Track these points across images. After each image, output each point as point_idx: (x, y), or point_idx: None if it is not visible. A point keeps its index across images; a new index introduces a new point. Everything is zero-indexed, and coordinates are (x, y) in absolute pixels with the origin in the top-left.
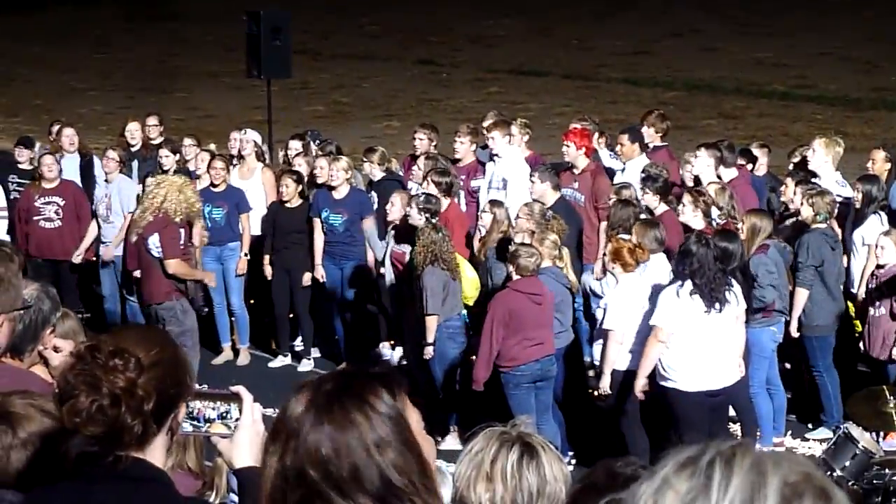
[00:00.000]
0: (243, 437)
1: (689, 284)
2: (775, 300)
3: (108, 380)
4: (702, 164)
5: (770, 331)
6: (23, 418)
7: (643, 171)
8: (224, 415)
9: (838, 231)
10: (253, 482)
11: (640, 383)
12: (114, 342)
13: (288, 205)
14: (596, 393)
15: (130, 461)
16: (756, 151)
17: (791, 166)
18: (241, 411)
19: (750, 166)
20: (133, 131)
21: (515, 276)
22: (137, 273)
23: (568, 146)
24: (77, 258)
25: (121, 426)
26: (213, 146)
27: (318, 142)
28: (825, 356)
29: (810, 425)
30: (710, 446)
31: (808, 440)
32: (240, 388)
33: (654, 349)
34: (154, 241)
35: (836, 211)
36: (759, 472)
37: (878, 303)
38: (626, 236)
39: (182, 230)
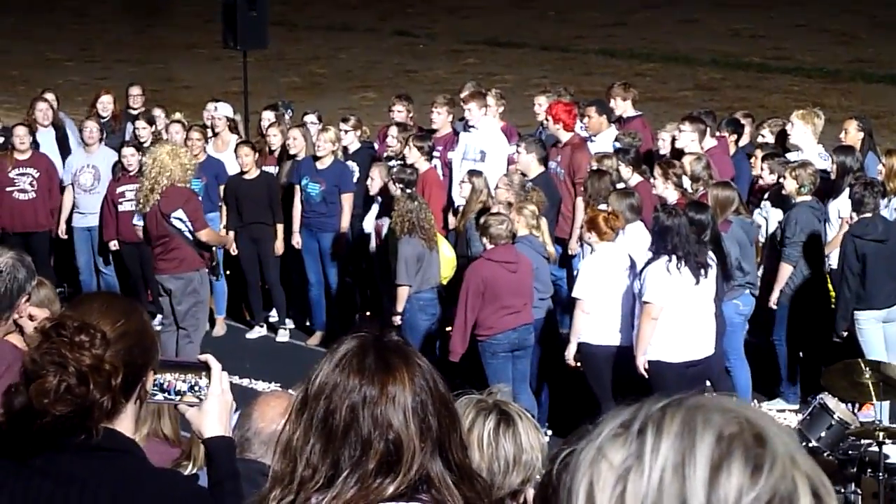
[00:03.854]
0: (212, 406)
1: (675, 259)
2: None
3: (74, 358)
4: (686, 139)
5: (733, 304)
6: None
7: (616, 142)
8: (194, 386)
9: None
10: (222, 451)
11: (640, 361)
12: (79, 316)
13: (247, 176)
14: (570, 363)
15: (102, 433)
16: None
17: (760, 139)
18: (209, 380)
19: (734, 137)
20: (106, 104)
21: (489, 246)
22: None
23: (547, 120)
24: (63, 233)
25: (90, 403)
26: (177, 115)
27: (290, 111)
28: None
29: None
30: (642, 408)
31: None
32: (208, 357)
33: (649, 326)
34: (179, 216)
35: (818, 182)
36: (689, 432)
37: None
38: (605, 206)
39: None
